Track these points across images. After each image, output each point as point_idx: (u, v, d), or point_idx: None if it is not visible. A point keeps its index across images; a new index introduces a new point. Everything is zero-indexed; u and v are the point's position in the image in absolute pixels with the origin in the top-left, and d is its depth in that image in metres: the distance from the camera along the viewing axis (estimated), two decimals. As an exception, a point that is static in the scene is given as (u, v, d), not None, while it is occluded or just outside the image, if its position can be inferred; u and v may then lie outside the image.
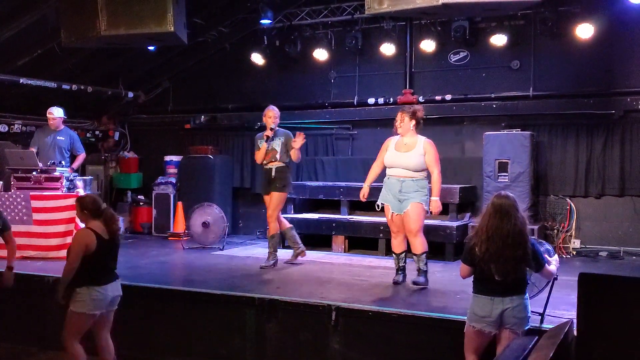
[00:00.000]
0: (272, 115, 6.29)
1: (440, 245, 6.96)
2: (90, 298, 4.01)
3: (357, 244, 7.53)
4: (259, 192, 9.08)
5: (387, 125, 8.53)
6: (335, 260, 6.67)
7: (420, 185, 5.25)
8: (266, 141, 6.24)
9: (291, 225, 6.51)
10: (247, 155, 9.25)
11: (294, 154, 6.20)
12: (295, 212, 8.12)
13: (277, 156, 6.24)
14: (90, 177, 7.64)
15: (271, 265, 6.26)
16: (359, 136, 8.63)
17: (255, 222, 9.28)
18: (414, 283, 5.30)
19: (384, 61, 8.35)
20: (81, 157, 7.55)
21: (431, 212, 5.25)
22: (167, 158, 9.34)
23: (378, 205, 5.42)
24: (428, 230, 6.88)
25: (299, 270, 6.23)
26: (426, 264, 5.33)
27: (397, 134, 5.46)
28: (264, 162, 6.28)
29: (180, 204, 8.83)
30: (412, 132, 5.37)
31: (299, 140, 6.11)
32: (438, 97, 8.00)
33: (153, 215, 9.12)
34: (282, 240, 6.89)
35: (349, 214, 7.77)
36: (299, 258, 6.48)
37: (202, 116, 9.38)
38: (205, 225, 7.72)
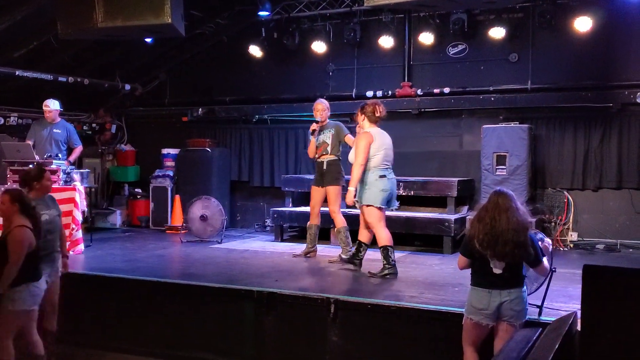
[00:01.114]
0: (319, 108, 6.28)
1: (438, 238, 6.95)
2: (30, 294, 4.00)
3: (356, 237, 7.51)
4: (257, 185, 9.14)
5: (386, 119, 8.51)
6: (334, 253, 6.64)
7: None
8: (312, 134, 6.27)
9: (318, 224, 6.38)
10: (245, 148, 9.21)
11: (350, 140, 6.14)
12: (294, 204, 8.07)
13: (329, 149, 6.22)
14: (87, 170, 7.59)
15: (341, 260, 6.04)
16: (357, 129, 8.61)
17: (253, 215, 9.26)
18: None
19: (382, 54, 8.30)
20: (78, 149, 7.49)
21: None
22: (165, 151, 9.30)
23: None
24: (425, 224, 6.92)
25: (298, 263, 6.21)
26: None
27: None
28: (316, 155, 6.27)
29: (177, 197, 8.80)
30: (364, 125, 5.54)
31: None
32: (436, 90, 7.96)
33: (150, 208, 9.10)
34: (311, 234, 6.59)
35: (348, 207, 7.75)
36: (307, 256, 6.43)
37: (200, 109, 9.33)
38: (203, 218, 7.68)
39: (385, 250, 5.43)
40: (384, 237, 5.42)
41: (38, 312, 4.12)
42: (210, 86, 9.39)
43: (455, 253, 6.26)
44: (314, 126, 6.25)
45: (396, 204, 5.62)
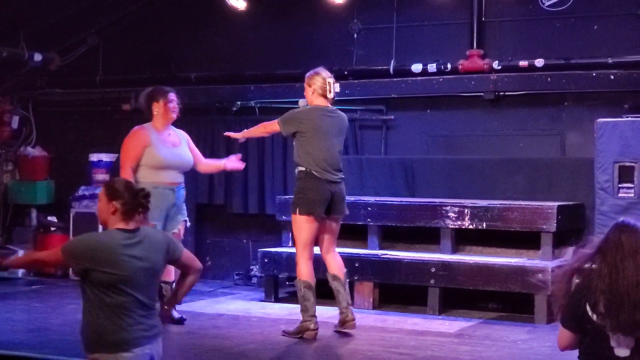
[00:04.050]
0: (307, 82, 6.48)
1: (526, 299, 6.91)
2: None
3: (393, 295, 7.51)
4: (238, 211, 9.11)
5: (440, 106, 8.50)
6: (358, 322, 6.58)
7: None
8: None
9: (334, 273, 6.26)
10: (220, 153, 9.18)
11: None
12: (292, 243, 8.05)
13: (294, 152, 6.29)
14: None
15: (296, 332, 6.04)
16: (398, 123, 8.65)
17: (232, 259, 9.23)
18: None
19: (437, 5, 8.37)
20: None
21: None
22: (94, 157, 9.37)
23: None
24: (505, 276, 6.90)
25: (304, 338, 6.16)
26: None
27: None
28: None
29: (113, 229, 8.82)
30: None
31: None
32: (523, 63, 7.97)
33: (71, 247, 9.11)
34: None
35: (381, 247, 7.74)
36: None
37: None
38: (152, 263, 7.70)
39: None
40: None
41: None
42: (166, 56, 9.47)
43: (554, 323, 6.19)
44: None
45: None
